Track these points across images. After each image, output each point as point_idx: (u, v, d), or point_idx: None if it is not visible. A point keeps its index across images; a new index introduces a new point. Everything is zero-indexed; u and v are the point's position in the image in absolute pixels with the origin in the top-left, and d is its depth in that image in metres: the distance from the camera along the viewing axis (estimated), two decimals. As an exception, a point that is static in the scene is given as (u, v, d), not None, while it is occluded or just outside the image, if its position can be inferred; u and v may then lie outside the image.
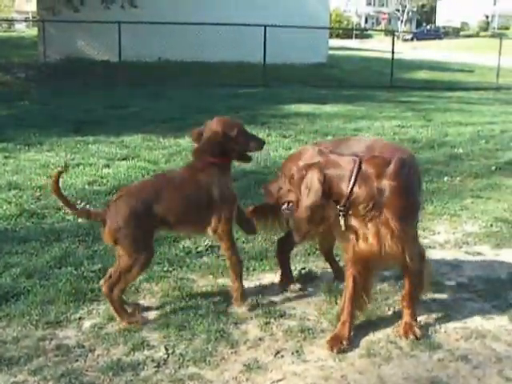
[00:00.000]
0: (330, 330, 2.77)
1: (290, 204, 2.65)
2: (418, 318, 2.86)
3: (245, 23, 14.34)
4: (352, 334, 2.69)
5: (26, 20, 33.77)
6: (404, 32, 56.79)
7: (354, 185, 2.46)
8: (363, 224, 2.54)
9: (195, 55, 14.96)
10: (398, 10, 65.09)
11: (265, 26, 14.21)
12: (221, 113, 9.06)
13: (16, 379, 2.36)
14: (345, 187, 2.47)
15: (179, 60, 15.29)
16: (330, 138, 7.28)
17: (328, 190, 2.48)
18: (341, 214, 2.54)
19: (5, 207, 4.31)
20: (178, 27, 14.18)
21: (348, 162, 2.50)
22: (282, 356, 2.56)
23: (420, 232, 4.07)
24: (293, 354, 2.58)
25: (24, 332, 2.68)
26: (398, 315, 2.92)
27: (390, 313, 2.98)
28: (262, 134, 6.89)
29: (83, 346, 2.59)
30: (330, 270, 3.40)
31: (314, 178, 2.47)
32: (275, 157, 6.15)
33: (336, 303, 3.00)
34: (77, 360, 2.49)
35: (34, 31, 22.09)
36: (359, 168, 2.47)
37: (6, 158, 5.90)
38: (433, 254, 3.73)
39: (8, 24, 31.84)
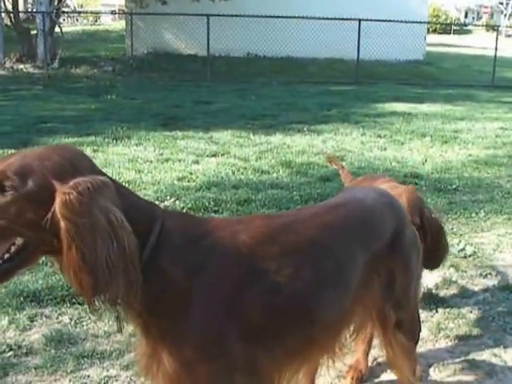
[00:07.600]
0: (430, 340, 2.58)
1: None
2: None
3: (338, 17, 13.82)
4: None
5: (112, 13, 33.92)
6: (508, 27, 53.45)
7: None
8: None
9: (285, 51, 14.72)
10: (502, 4, 61.16)
11: (359, 20, 13.63)
12: (312, 110, 9.01)
13: (108, 373, 2.38)
14: None
15: (268, 55, 15.09)
16: (427, 138, 6.95)
17: None
18: None
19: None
20: (268, 21, 13.91)
21: None
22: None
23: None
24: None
25: (115, 327, 2.69)
26: (502, 328, 2.71)
27: (493, 324, 2.75)
28: (356, 134, 6.67)
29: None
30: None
31: None
32: (370, 158, 5.90)
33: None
34: (169, 357, 2.46)
35: (120, 24, 22.37)
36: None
37: (94, 151, 5.90)
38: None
39: (94, 17, 32.51)
